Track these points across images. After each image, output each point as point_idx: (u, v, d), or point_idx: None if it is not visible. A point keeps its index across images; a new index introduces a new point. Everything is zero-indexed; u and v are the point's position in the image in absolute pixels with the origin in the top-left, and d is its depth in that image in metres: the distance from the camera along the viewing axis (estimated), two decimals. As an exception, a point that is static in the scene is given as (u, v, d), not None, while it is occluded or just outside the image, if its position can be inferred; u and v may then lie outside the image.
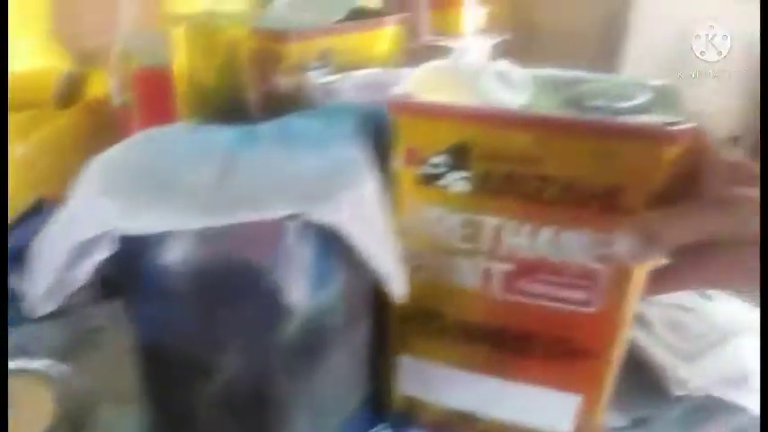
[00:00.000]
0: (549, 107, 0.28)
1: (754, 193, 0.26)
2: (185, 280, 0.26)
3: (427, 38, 0.57)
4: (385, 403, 0.38)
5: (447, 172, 0.30)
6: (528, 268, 0.31)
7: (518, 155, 0.28)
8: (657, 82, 0.31)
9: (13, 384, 0.31)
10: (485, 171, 0.29)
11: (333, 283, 0.29)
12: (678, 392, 0.41)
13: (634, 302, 0.31)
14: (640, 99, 0.28)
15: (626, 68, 0.57)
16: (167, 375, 0.30)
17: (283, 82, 0.39)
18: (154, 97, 0.39)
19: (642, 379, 0.42)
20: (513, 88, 0.29)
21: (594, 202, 0.28)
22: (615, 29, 0.57)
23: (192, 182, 0.27)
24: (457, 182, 0.30)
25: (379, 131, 0.31)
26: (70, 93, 0.53)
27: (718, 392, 0.41)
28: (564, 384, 0.34)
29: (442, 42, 0.57)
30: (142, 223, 0.24)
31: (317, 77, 0.41)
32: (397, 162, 0.30)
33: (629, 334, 0.32)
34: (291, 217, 0.25)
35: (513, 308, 0.32)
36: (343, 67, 0.41)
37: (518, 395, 0.35)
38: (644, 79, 0.31)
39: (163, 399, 0.32)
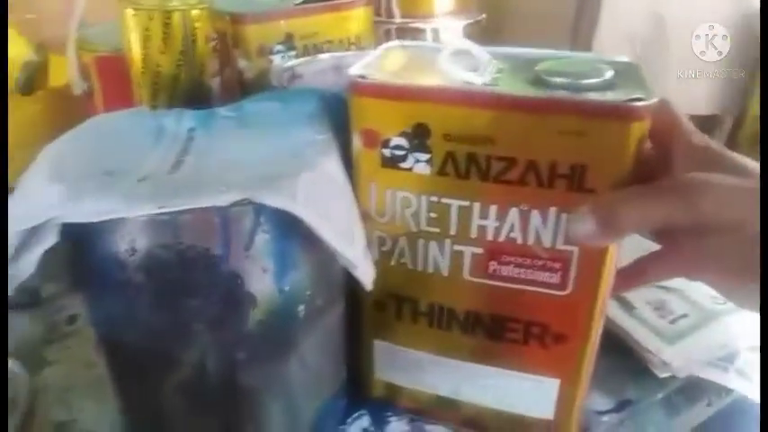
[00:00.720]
0: (511, 86, 0.27)
1: (718, 179, 0.24)
2: (136, 270, 0.25)
3: (398, 20, 0.55)
4: (363, 389, 0.38)
5: (408, 154, 0.29)
6: (497, 251, 0.30)
7: (480, 135, 0.27)
8: (621, 59, 0.30)
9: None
10: (447, 152, 0.28)
11: (298, 268, 0.28)
12: (662, 374, 0.40)
13: (608, 285, 0.30)
14: (604, 76, 0.27)
15: (598, 50, 0.56)
16: (132, 367, 0.30)
17: (245, 66, 0.39)
18: (115, 85, 0.38)
19: (626, 361, 0.41)
20: (474, 67, 0.28)
21: (561, 181, 0.27)
22: (588, 10, 0.56)
23: (145, 167, 0.26)
24: (419, 164, 0.29)
25: (341, 114, 0.30)
26: (31, 80, 0.52)
27: (703, 373, 0.40)
28: (541, 369, 0.33)
29: (413, 24, 0.56)
30: (85, 210, 0.23)
31: (281, 61, 0.40)
32: (357, 144, 0.29)
33: (605, 317, 0.31)
34: (242, 202, 0.24)
35: (485, 292, 0.31)
36: (310, 50, 0.40)
37: (496, 380, 0.34)
38: (607, 56, 0.30)
39: (130, 390, 0.31)
